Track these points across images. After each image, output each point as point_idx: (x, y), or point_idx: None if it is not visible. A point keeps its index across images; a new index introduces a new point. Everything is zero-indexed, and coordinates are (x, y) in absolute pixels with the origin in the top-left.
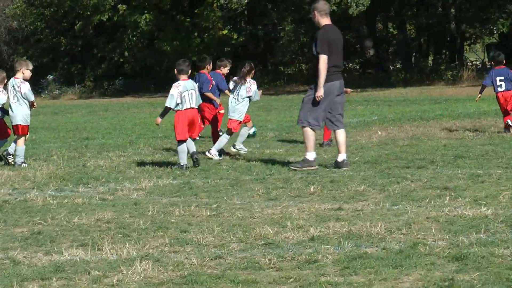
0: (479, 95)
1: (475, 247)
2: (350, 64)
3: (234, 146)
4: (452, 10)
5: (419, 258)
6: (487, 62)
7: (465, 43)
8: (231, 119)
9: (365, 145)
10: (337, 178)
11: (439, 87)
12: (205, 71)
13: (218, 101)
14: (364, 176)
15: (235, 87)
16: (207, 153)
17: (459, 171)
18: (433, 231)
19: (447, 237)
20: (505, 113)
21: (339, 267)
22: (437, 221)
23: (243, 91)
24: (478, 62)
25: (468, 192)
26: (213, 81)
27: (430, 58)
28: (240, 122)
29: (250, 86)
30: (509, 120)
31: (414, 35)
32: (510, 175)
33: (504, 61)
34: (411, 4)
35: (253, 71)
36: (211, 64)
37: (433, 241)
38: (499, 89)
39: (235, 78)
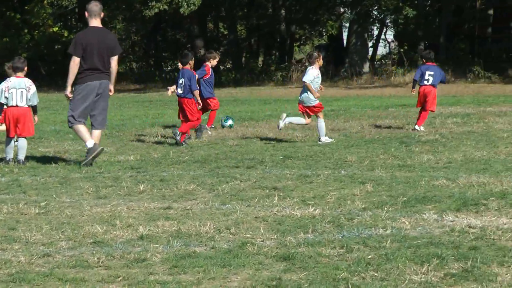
0: (413, 90)
1: (302, 247)
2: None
3: (320, 140)
4: (282, 12)
5: (248, 257)
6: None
7: (295, 44)
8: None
9: (195, 145)
10: (167, 177)
11: (269, 88)
12: (187, 66)
13: (199, 102)
14: (193, 175)
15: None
16: (320, 142)
17: (287, 172)
18: (262, 231)
19: (275, 236)
20: (422, 109)
21: (167, 266)
22: (266, 221)
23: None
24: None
25: (296, 192)
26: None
27: (261, 58)
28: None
29: (309, 71)
30: (416, 126)
31: (244, 36)
32: (338, 176)
33: (433, 58)
34: (242, 5)
35: (319, 58)
36: (193, 60)
37: (262, 241)
38: (425, 82)
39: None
